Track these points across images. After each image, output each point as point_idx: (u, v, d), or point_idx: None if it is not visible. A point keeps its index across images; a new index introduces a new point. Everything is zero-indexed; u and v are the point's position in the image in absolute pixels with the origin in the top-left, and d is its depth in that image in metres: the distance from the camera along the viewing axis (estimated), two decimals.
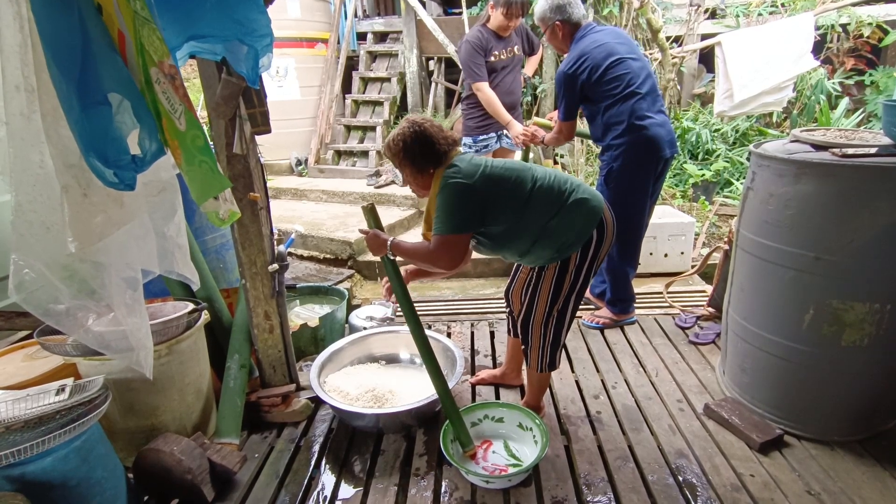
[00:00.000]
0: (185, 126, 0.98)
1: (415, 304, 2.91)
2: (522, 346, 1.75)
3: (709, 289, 2.80)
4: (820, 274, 1.56)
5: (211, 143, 1.79)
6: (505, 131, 3.12)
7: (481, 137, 3.16)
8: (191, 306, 1.74)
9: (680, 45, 4.71)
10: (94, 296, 1.15)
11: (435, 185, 1.56)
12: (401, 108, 5.52)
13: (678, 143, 4.67)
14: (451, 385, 1.82)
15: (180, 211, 1.36)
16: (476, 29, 3.01)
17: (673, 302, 2.72)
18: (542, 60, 4.49)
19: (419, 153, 1.56)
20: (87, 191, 1.00)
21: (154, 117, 0.97)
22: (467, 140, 3.22)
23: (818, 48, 4.29)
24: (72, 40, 0.84)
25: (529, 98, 5.20)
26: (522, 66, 3.29)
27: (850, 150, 1.53)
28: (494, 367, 2.23)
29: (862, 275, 1.52)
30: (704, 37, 4.69)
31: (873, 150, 1.53)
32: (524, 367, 1.81)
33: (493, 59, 3.01)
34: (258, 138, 1.75)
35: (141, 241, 1.24)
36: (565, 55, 2.30)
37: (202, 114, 3.48)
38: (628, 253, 2.41)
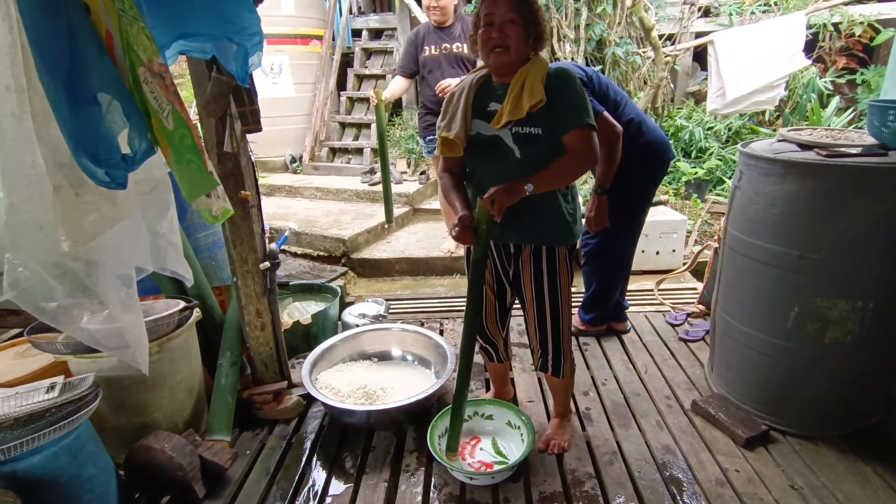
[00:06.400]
0: (173, 125, 0.98)
1: (407, 302, 2.95)
2: (552, 356, 1.60)
3: (699, 286, 2.82)
4: (804, 272, 1.58)
5: (203, 140, 1.80)
6: None
7: (429, 138, 3.07)
8: (182, 304, 1.75)
9: (674, 44, 4.73)
10: (89, 294, 1.15)
11: (534, 72, 1.38)
12: (396, 104, 5.52)
13: (671, 142, 4.70)
14: (442, 381, 1.85)
15: (173, 209, 1.36)
16: (422, 23, 3.01)
17: (664, 299, 2.75)
18: None
19: (541, 25, 1.40)
20: (79, 190, 1.00)
21: (143, 117, 0.98)
22: (421, 140, 3.21)
23: (810, 47, 4.32)
24: (59, 42, 0.85)
25: None
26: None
27: (835, 150, 1.55)
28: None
29: (845, 273, 1.55)
30: (698, 35, 4.71)
31: (857, 150, 1.55)
32: (551, 379, 1.69)
33: (424, 54, 2.95)
34: (251, 136, 1.76)
35: (134, 239, 1.24)
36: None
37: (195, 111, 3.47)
38: (625, 265, 2.32)
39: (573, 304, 2.04)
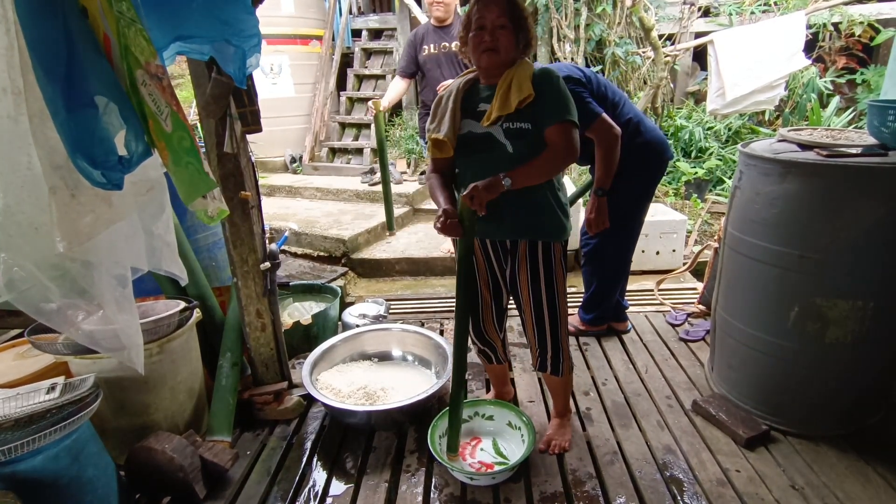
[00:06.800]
0: (172, 127, 0.98)
1: (407, 302, 2.95)
2: (551, 354, 1.60)
3: (700, 286, 2.82)
4: (804, 272, 1.58)
5: (201, 142, 1.80)
6: None
7: None
8: (182, 305, 1.75)
9: (673, 44, 4.73)
10: (84, 294, 1.15)
11: (521, 71, 1.42)
12: (395, 105, 5.52)
13: (671, 142, 4.71)
14: (442, 381, 1.84)
15: (168, 209, 1.36)
16: (421, 24, 3.01)
17: (664, 299, 2.74)
18: None
19: (529, 32, 1.46)
20: (75, 191, 1.00)
21: (140, 119, 0.98)
22: (421, 141, 3.21)
23: (810, 47, 4.32)
24: (57, 44, 0.85)
25: None
26: None
27: (835, 150, 1.55)
28: None
29: (845, 273, 1.54)
30: (698, 35, 4.71)
31: (857, 150, 1.55)
32: (550, 378, 1.69)
33: (423, 53, 2.96)
34: (251, 136, 1.76)
35: (130, 240, 1.24)
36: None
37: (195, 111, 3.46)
38: (625, 264, 2.33)
39: (572, 304, 2.06)
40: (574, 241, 2.96)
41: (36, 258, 1.04)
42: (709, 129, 4.75)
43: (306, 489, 1.59)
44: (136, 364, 1.29)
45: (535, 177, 1.43)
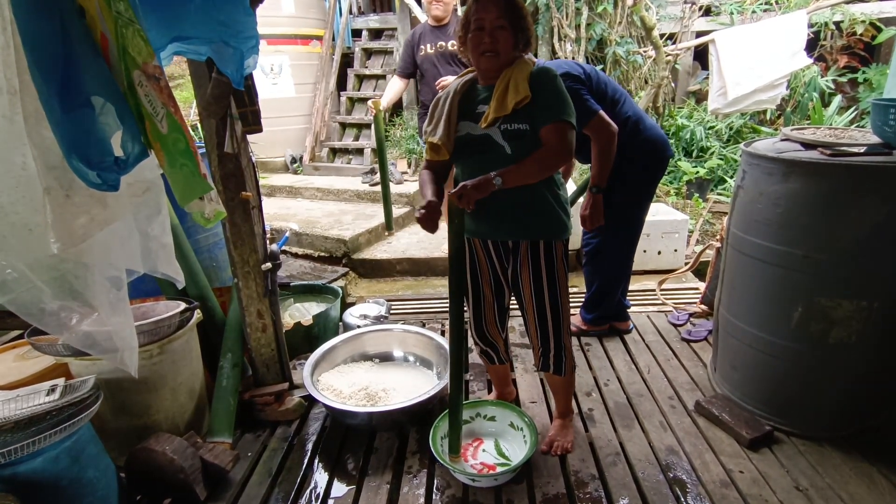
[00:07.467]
0: (167, 129, 0.97)
1: (408, 302, 2.95)
2: (553, 353, 1.59)
3: (702, 286, 2.81)
4: (808, 272, 1.57)
5: (200, 142, 1.79)
6: None
7: None
8: (183, 305, 1.74)
9: (675, 43, 4.72)
10: (78, 296, 1.14)
11: (518, 72, 1.41)
12: (396, 105, 5.51)
13: (672, 141, 4.71)
14: (444, 382, 1.84)
15: (164, 210, 1.35)
16: (420, 23, 3.02)
17: (666, 299, 2.74)
18: None
19: (528, 31, 1.44)
20: (70, 192, 0.99)
21: (136, 120, 0.97)
22: (421, 141, 3.22)
23: (811, 46, 4.31)
24: (53, 44, 0.84)
25: None
26: None
27: (838, 149, 1.54)
28: None
29: (849, 273, 1.53)
30: (699, 34, 4.70)
31: (861, 149, 1.54)
32: (552, 378, 1.68)
33: (421, 53, 2.97)
34: (252, 136, 1.75)
35: (125, 241, 1.23)
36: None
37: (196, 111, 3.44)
38: (626, 263, 2.31)
39: (574, 304, 2.04)
40: (576, 241, 2.95)
41: (29, 259, 1.03)
42: (710, 128, 4.74)
43: (307, 490, 1.59)
44: (129, 367, 1.27)
45: (528, 176, 1.42)
